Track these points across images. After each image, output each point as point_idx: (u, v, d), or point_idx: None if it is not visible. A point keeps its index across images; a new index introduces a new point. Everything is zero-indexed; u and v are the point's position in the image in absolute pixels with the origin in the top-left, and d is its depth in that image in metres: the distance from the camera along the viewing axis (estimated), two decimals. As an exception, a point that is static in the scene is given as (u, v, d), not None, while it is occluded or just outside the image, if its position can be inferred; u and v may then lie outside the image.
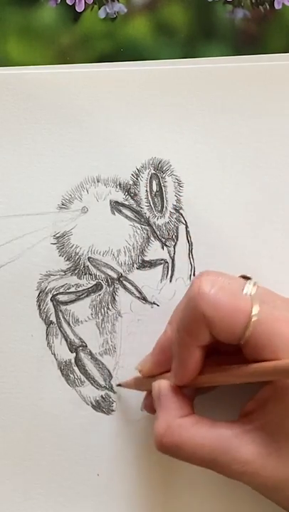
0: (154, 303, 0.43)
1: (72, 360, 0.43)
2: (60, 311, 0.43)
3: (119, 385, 0.43)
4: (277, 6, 0.44)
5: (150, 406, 0.40)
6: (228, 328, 0.36)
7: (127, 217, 0.44)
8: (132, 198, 0.44)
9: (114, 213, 0.44)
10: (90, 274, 0.44)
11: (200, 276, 0.37)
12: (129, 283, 0.43)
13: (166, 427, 0.38)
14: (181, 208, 0.44)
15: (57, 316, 0.43)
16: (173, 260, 0.44)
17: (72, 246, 0.44)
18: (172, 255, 0.44)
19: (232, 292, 0.36)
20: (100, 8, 0.45)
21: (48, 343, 0.44)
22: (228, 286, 0.36)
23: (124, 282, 0.44)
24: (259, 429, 0.36)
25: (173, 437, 0.37)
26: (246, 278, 0.38)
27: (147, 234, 0.44)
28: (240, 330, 0.36)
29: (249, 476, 0.36)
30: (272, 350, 0.35)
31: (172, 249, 0.44)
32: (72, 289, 0.44)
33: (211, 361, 0.38)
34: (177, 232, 0.44)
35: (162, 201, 0.44)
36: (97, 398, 0.43)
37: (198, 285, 0.36)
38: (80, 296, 0.44)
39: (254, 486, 0.37)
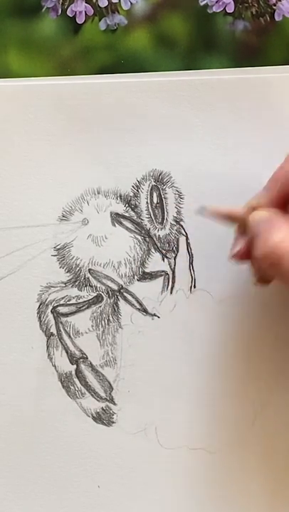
0: (154, 314, 0.43)
1: (73, 372, 0.43)
2: (61, 322, 0.43)
3: (199, 213, 0.40)
4: (277, 18, 0.44)
5: (242, 252, 0.38)
6: None
7: (127, 228, 0.44)
8: (132, 209, 0.44)
9: (114, 225, 0.44)
10: (91, 286, 0.44)
11: None
12: (130, 295, 0.43)
13: (285, 234, 0.35)
14: (181, 220, 0.43)
15: (57, 328, 0.43)
16: (173, 272, 0.44)
17: (73, 258, 0.44)
18: (173, 267, 0.44)
19: None
20: (100, 20, 0.45)
21: (49, 354, 0.43)
22: None
23: (124, 294, 0.43)
24: None
25: None
26: None
27: (148, 246, 0.44)
28: None
29: None
30: None
31: (173, 260, 0.43)
32: (73, 301, 0.44)
33: None
34: (178, 244, 0.44)
35: (163, 213, 0.44)
36: (98, 410, 0.43)
37: None
38: (80, 307, 0.44)
39: None
